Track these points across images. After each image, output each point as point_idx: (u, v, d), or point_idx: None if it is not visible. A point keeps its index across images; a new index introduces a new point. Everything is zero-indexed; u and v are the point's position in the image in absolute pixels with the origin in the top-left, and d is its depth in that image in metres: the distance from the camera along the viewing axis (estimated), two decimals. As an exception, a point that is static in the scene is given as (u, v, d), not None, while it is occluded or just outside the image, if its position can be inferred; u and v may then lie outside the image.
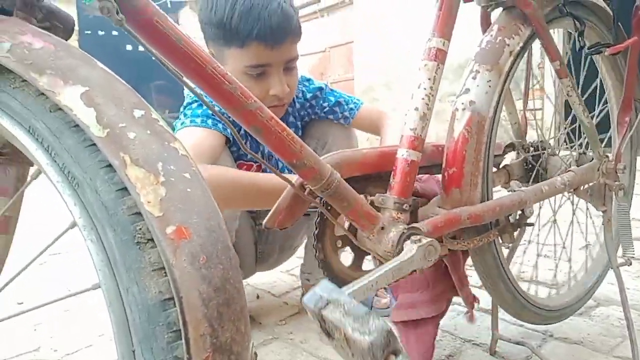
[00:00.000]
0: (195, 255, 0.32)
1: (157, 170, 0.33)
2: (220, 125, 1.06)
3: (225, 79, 0.53)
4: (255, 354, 0.35)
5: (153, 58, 0.48)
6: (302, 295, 1.39)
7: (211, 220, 0.34)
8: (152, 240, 0.33)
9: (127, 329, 0.32)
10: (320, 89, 1.24)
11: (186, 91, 1.14)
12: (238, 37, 0.99)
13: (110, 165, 0.34)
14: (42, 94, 0.36)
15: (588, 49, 0.87)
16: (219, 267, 0.33)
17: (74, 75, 0.36)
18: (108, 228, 0.33)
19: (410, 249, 0.65)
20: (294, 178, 0.66)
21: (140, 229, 0.33)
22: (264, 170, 1.19)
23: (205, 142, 1.02)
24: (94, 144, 0.34)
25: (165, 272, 0.32)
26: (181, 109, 1.11)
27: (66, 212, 0.35)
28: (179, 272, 0.31)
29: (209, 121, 1.05)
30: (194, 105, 1.09)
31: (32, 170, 0.54)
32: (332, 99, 1.24)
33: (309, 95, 1.23)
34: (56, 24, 0.46)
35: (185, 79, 0.51)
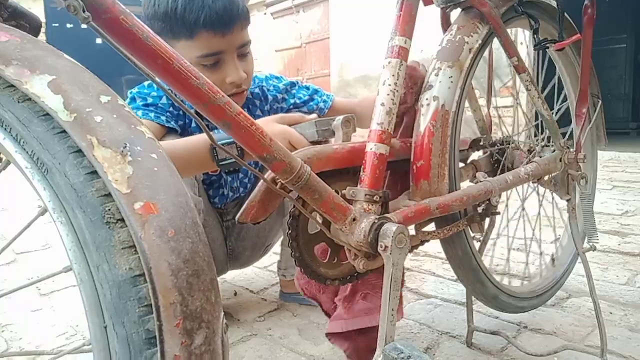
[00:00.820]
0: (163, 229, 0.33)
1: (123, 151, 0.35)
2: (162, 118, 1.08)
3: (192, 74, 0.54)
4: (226, 324, 0.36)
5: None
6: (280, 291, 1.40)
7: (179, 197, 0.35)
8: (121, 220, 0.34)
9: (99, 305, 0.33)
10: (293, 83, 1.27)
11: (136, 89, 1.15)
12: (185, 27, 0.98)
13: (79, 150, 0.35)
14: (10, 85, 0.37)
15: (534, 45, 0.92)
16: (188, 240, 0.34)
17: (40, 64, 0.37)
18: (77, 210, 0.34)
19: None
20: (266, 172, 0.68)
21: (109, 209, 0.34)
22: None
23: None
24: (63, 131, 0.35)
25: (135, 250, 0.33)
26: None
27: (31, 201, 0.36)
28: (148, 245, 0.32)
29: (139, 112, 1.07)
30: (138, 100, 1.11)
31: None
32: (306, 91, 1.26)
33: (281, 88, 1.24)
34: (22, 23, 0.47)
35: (152, 74, 0.52)
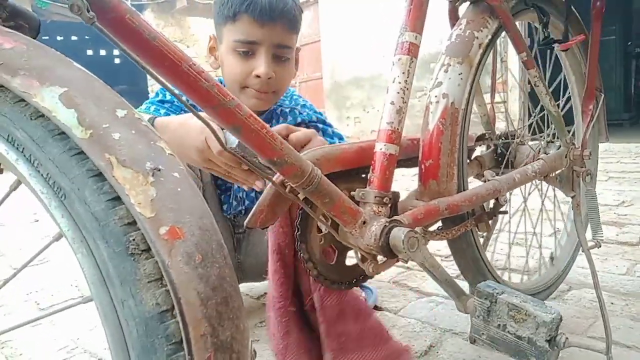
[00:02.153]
0: (190, 255, 0.31)
1: (145, 171, 0.32)
2: (162, 112, 1.09)
3: (202, 76, 0.52)
4: (255, 351, 0.34)
5: (117, 62, 0.47)
6: None
7: (203, 218, 0.33)
8: (146, 250, 0.31)
9: (124, 343, 0.31)
10: (325, 123, 1.22)
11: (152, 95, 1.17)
12: (230, 10, 1.02)
13: (99, 174, 0.32)
14: (21, 100, 0.34)
15: (539, 44, 0.90)
16: (215, 265, 0.32)
17: (50, 75, 0.34)
18: (99, 240, 0.32)
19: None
20: (275, 175, 0.66)
21: (133, 239, 0.32)
22: None
23: None
24: (81, 153, 0.33)
25: (161, 283, 0.31)
26: None
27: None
28: (176, 273, 0.30)
29: (152, 108, 1.10)
30: (159, 96, 1.15)
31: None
32: (329, 138, 1.22)
33: (312, 118, 1.21)
34: (21, 24, 0.44)
35: (159, 76, 0.50)
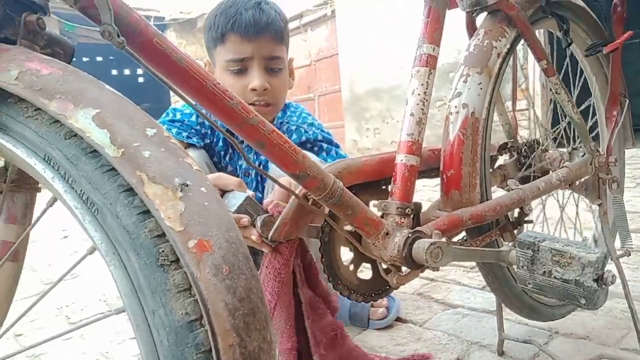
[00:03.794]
0: (218, 267, 0.32)
1: (174, 186, 0.34)
2: (183, 135, 1.14)
3: (227, 95, 0.53)
4: (281, 362, 0.35)
5: (141, 81, 0.49)
6: None
7: (230, 232, 0.34)
8: (175, 261, 0.33)
9: (155, 352, 0.32)
10: (331, 142, 1.22)
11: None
12: (218, 32, 1.06)
13: (130, 189, 0.34)
14: (56, 121, 0.36)
15: (586, 50, 0.90)
16: (242, 277, 0.33)
17: (83, 97, 0.36)
18: (131, 252, 0.33)
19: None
20: (298, 188, 0.67)
21: (163, 251, 0.33)
22: (248, 184, 1.20)
23: None
24: (112, 169, 0.35)
25: (190, 293, 0.32)
26: None
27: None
28: (204, 285, 0.31)
29: (164, 127, 1.12)
30: (169, 115, 1.19)
31: (40, 196, 0.53)
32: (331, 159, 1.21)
33: (318, 136, 1.21)
34: (57, 50, 0.47)
35: (186, 96, 0.52)
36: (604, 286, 0.63)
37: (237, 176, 1.21)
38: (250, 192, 0.86)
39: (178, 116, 1.17)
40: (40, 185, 0.45)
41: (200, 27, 8.33)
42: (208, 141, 1.18)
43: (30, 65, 0.38)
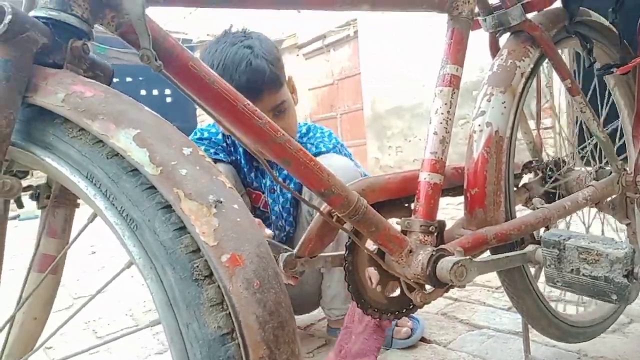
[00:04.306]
0: (249, 281, 0.33)
1: (209, 203, 0.36)
2: (211, 151, 1.18)
3: (255, 115, 0.56)
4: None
5: (169, 101, 0.51)
6: (327, 326, 1.38)
7: (260, 247, 0.36)
8: (209, 276, 0.34)
9: (189, 365, 0.33)
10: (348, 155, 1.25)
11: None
12: None
13: (167, 206, 0.36)
14: (99, 141, 0.38)
15: (598, 70, 0.90)
16: (272, 291, 0.34)
17: (124, 119, 0.39)
18: (167, 267, 0.35)
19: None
20: (322, 205, 0.68)
21: (197, 266, 0.34)
22: (275, 200, 1.22)
23: None
24: (151, 187, 0.37)
25: (222, 307, 0.33)
26: None
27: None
28: (236, 298, 0.33)
29: (199, 146, 1.17)
30: (197, 135, 1.22)
31: (79, 212, 0.56)
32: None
33: (330, 148, 1.24)
34: (98, 73, 0.50)
35: (218, 116, 0.54)
36: (635, 281, 0.62)
37: (263, 192, 1.24)
38: (268, 232, 0.87)
39: (205, 135, 1.21)
40: (79, 201, 0.47)
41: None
42: (233, 158, 1.22)
43: (75, 88, 0.41)
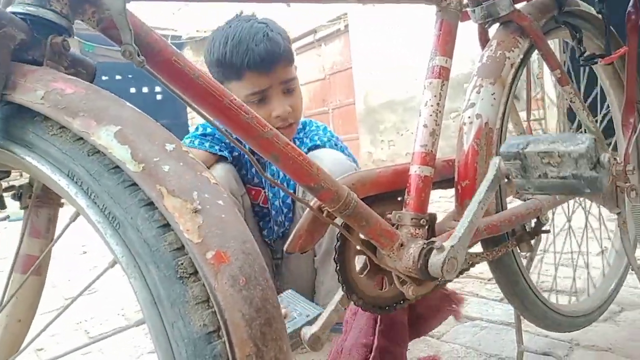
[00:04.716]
0: (235, 278, 0.33)
1: (192, 199, 0.35)
2: (206, 145, 1.17)
3: (242, 110, 0.55)
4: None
5: (159, 98, 0.51)
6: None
7: (246, 243, 0.35)
8: (194, 274, 0.34)
9: (174, 364, 0.33)
10: (343, 149, 1.26)
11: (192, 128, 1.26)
12: (233, 70, 1.08)
13: (150, 204, 0.35)
14: (80, 138, 0.38)
15: (583, 60, 0.89)
16: (258, 288, 0.34)
17: (105, 115, 0.38)
18: (151, 265, 0.34)
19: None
20: (312, 200, 0.67)
21: (182, 263, 0.34)
22: (275, 195, 1.22)
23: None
24: (133, 184, 0.36)
25: (208, 305, 0.33)
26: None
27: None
28: (222, 295, 0.32)
29: (196, 141, 1.18)
30: (199, 130, 1.22)
31: (62, 211, 0.55)
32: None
33: (325, 141, 1.25)
34: (80, 70, 0.49)
35: (204, 112, 0.53)
36: (602, 169, 0.60)
37: (263, 188, 1.24)
38: (284, 312, 0.87)
39: (208, 130, 1.21)
40: (62, 200, 0.46)
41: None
42: (236, 154, 1.22)
43: (55, 85, 0.40)
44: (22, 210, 0.52)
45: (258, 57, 1.05)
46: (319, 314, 0.75)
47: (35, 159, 0.40)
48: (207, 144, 1.17)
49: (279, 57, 1.08)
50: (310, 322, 0.75)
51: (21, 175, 0.50)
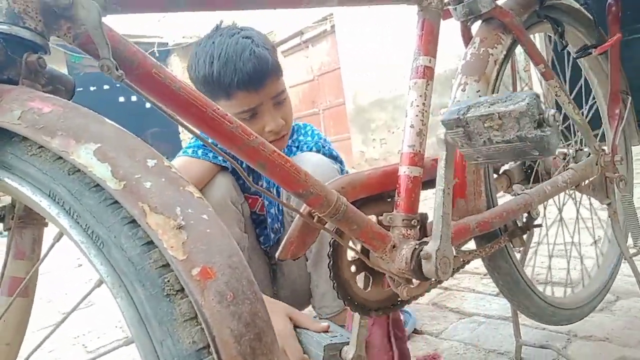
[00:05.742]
0: (222, 294, 0.32)
1: (176, 215, 0.34)
2: (210, 155, 1.14)
3: (226, 119, 0.54)
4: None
5: (148, 107, 0.50)
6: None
7: (233, 257, 0.35)
8: (180, 290, 0.33)
9: (165, 383, 0.32)
10: (334, 157, 1.24)
11: (188, 136, 1.24)
12: (222, 90, 1.05)
13: (133, 221, 0.35)
14: (59, 158, 0.37)
15: (576, 52, 0.90)
16: (246, 302, 0.33)
17: (84, 133, 0.37)
18: (137, 283, 0.34)
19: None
20: (302, 207, 0.67)
21: (168, 280, 0.33)
22: (271, 202, 1.21)
23: (192, 167, 1.12)
24: (115, 202, 0.35)
25: (196, 322, 0.32)
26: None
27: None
28: (209, 312, 0.31)
29: (199, 151, 1.15)
30: (190, 151, 1.18)
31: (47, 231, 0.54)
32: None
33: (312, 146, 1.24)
34: (58, 87, 0.48)
35: (187, 123, 0.53)
36: (549, 128, 0.55)
37: (260, 196, 1.23)
38: (324, 325, 0.87)
39: (210, 140, 1.18)
40: (46, 220, 0.46)
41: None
42: (237, 162, 1.20)
43: (32, 105, 0.39)
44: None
45: (247, 76, 1.03)
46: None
47: (15, 181, 0.39)
48: (210, 154, 1.14)
49: (268, 74, 1.06)
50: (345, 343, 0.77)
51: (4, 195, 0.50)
